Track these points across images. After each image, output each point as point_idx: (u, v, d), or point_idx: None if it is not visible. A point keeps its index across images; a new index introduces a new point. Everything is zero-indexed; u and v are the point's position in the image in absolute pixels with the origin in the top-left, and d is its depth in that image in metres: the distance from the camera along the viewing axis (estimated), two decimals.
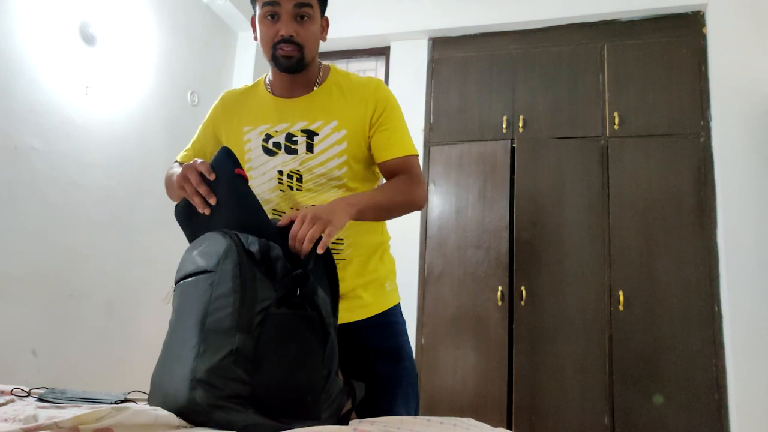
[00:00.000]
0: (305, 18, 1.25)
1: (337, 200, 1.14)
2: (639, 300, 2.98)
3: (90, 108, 2.59)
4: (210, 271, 0.94)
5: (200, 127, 1.47)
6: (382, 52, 3.84)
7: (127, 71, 2.82)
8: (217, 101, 1.44)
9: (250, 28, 1.37)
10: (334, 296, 1.10)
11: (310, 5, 1.25)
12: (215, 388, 0.84)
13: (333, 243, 1.30)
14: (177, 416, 0.83)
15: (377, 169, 1.38)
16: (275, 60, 1.27)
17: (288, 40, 1.23)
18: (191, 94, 3.30)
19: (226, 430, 0.82)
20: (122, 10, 2.80)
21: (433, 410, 3.07)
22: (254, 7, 1.30)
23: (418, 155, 1.35)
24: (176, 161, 1.47)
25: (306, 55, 1.26)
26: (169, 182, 1.36)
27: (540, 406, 2.99)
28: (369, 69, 3.86)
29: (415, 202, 1.29)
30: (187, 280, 1.00)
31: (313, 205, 1.26)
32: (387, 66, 3.79)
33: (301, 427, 0.85)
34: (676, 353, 2.89)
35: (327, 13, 1.36)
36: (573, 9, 3.36)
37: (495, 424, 1.05)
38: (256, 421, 0.84)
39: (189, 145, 1.47)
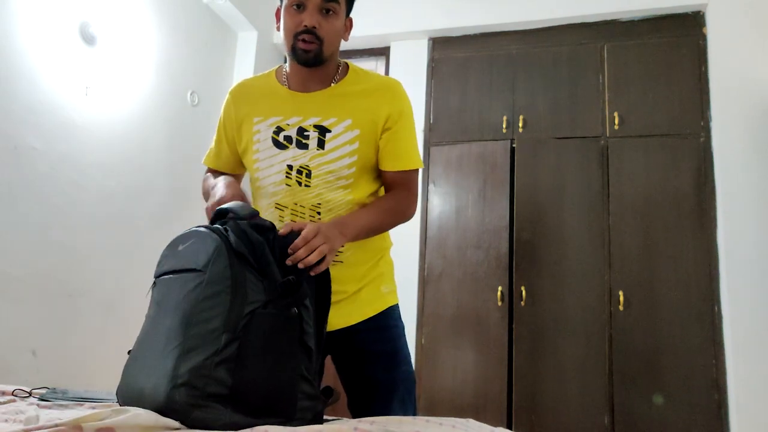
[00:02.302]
0: (330, 12, 1.25)
1: (336, 225, 1.15)
2: (639, 300, 2.98)
3: (90, 108, 2.59)
4: (198, 270, 0.94)
5: (217, 131, 1.45)
6: (382, 52, 3.84)
7: (127, 71, 2.82)
8: (227, 98, 1.42)
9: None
10: (326, 303, 1.10)
11: (336, 1, 1.25)
12: (195, 388, 0.85)
13: None
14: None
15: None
16: (294, 51, 1.26)
17: (310, 32, 1.23)
18: (191, 94, 3.30)
19: (204, 429, 0.83)
20: (122, 10, 2.80)
21: (433, 410, 3.07)
22: None
23: (420, 168, 1.37)
24: (207, 167, 1.48)
25: (325, 49, 1.25)
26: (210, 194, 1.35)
27: (540, 406, 2.99)
28: (368, 69, 3.86)
29: (404, 220, 1.34)
30: (171, 275, 0.99)
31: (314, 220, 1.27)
32: (387, 66, 3.79)
33: (278, 422, 0.87)
34: (676, 353, 2.89)
35: None
36: (573, 9, 3.36)
37: (495, 424, 1.05)
38: (234, 420, 0.86)
39: (213, 145, 1.46)
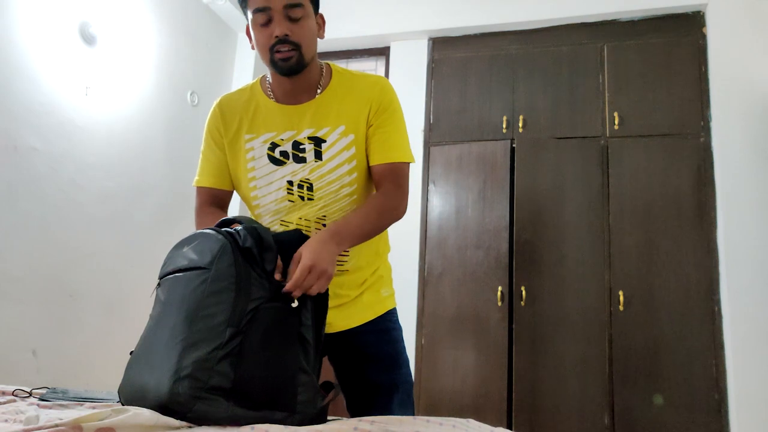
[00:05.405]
0: (298, 17, 1.19)
1: (332, 239, 1.10)
2: (639, 300, 2.98)
3: (90, 108, 2.59)
4: (203, 268, 0.95)
5: (204, 146, 1.36)
6: (382, 52, 3.84)
7: (127, 71, 2.82)
8: (214, 108, 1.35)
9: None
10: (323, 303, 1.10)
11: (300, 5, 1.19)
12: (198, 380, 0.86)
13: (339, 255, 1.27)
14: (157, 408, 0.84)
15: None
16: (274, 64, 1.21)
17: (284, 41, 1.18)
18: (191, 94, 3.30)
19: (205, 421, 0.84)
20: (122, 10, 2.80)
21: (433, 410, 3.07)
22: (246, 17, 1.24)
23: (409, 162, 1.30)
24: (200, 192, 1.37)
25: (305, 54, 1.21)
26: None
27: (540, 406, 2.99)
28: (369, 69, 3.86)
29: (396, 218, 1.27)
30: (177, 274, 1.00)
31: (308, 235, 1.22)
32: (387, 66, 3.79)
33: (279, 416, 0.89)
34: (676, 353, 2.89)
35: (328, 13, 1.34)
36: (573, 9, 3.36)
37: (495, 424, 1.05)
38: (236, 414, 0.87)
39: (206, 169, 1.35)
